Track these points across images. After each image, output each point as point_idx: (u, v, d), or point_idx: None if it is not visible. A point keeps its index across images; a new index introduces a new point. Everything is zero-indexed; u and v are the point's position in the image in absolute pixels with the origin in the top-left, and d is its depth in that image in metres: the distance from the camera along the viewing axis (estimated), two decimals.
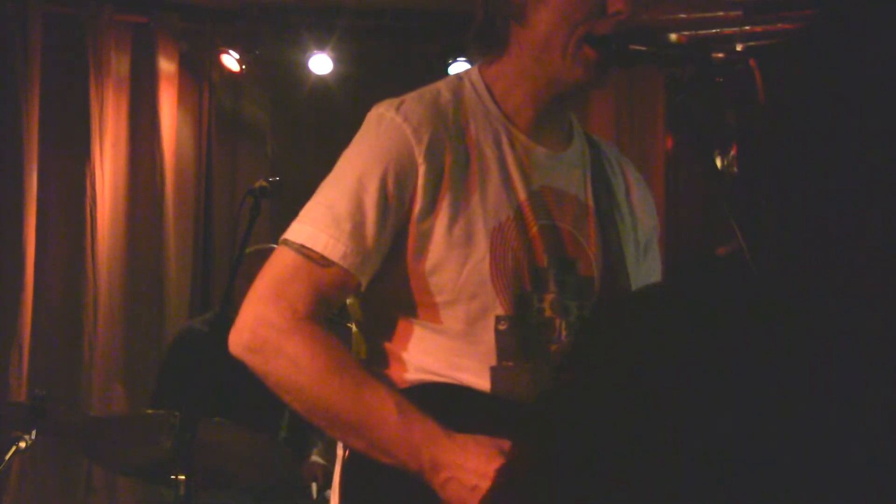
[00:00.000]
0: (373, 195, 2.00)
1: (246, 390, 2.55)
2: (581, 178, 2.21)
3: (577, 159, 2.23)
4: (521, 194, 2.09)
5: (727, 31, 6.06)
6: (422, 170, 2.01)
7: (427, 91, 2.14)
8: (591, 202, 2.20)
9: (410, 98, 2.10)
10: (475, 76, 2.19)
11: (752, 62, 1.88)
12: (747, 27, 6.06)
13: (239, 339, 1.99)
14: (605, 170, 2.27)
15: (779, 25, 6.02)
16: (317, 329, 1.97)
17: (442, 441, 1.91)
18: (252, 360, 1.98)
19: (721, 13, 6.03)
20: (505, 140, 2.12)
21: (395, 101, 2.09)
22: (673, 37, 2.00)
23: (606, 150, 2.33)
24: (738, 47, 5.88)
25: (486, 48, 2.18)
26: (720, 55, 1.93)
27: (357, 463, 2.01)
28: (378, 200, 2.00)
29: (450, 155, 2.05)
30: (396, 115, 2.05)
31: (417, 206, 2.02)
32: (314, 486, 4.37)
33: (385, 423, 1.93)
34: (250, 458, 3.93)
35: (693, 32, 5.93)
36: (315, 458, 4.51)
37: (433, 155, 2.03)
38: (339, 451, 2.08)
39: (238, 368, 2.03)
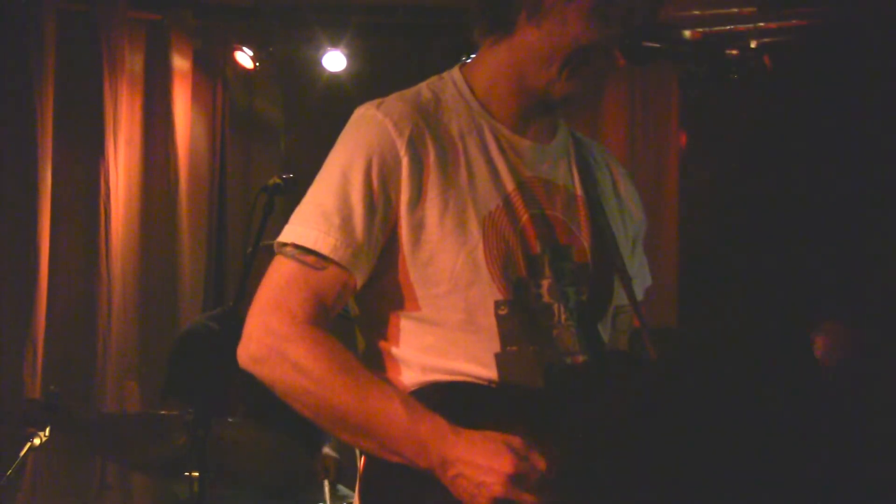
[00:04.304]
0: (358, 190, 2.03)
1: (254, 387, 2.56)
2: (567, 168, 2.25)
3: (563, 151, 2.26)
4: (509, 185, 2.12)
5: (741, 27, 6.05)
6: (405, 161, 2.04)
7: (407, 91, 2.18)
8: (579, 191, 2.23)
9: (392, 97, 2.14)
10: (456, 75, 2.23)
11: (766, 59, 1.88)
12: (761, 24, 6.04)
13: (245, 352, 2.02)
14: (589, 162, 2.30)
15: (793, 22, 6.00)
16: (318, 333, 1.99)
17: (449, 437, 1.92)
18: (259, 371, 2.00)
19: (735, 10, 6.02)
20: (489, 134, 2.15)
21: (377, 100, 2.13)
22: (687, 33, 2.01)
23: (591, 147, 2.37)
24: (752, 44, 5.86)
25: (487, 28, 2.19)
26: (734, 52, 1.94)
27: (375, 473, 2.02)
28: (364, 194, 2.02)
29: (433, 149, 2.08)
30: (377, 112, 2.09)
31: (404, 198, 2.04)
32: (326, 484, 4.37)
33: (392, 421, 1.94)
34: (263, 454, 3.93)
35: (707, 29, 5.92)
36: (327, 450, 4.51)
37: (415, 147, 2.06)
38: (359, 464, 2.09)
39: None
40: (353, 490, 2.50)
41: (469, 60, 2.24)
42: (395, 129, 2.06)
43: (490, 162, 2.12)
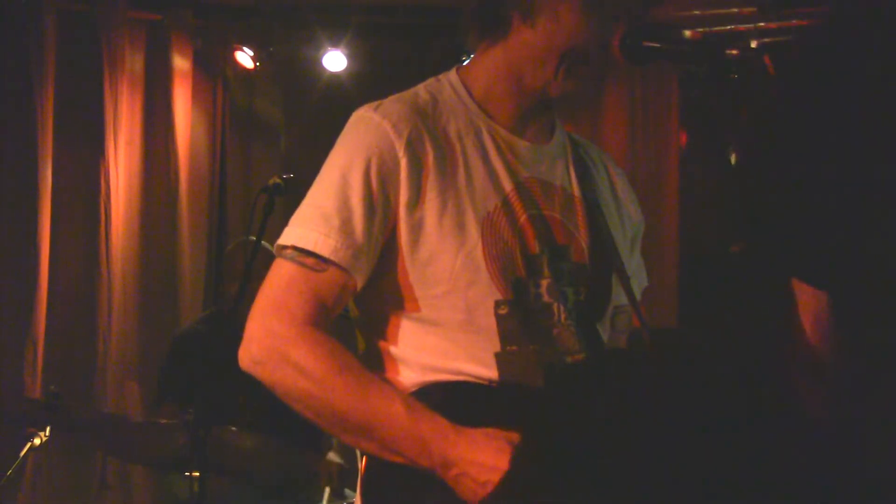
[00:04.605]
0: (358, 191, 2.03)
1: (256, 395, 2.57)
2: (565, 169, 2.25)
3: (560, 151, 2.27)
4: (507, 185, 2.12)
5: (741, 27, 6.05)
6: (403, 162, 2.05)
7: (405, 93, 2.19)
8: (577, 192, 2.23)
9: (389, 99, 2.15)
10: (453, 77, 2.23)
11: (766, 59, 1.88)
12: (762, 24, 6.04)
13: (247, 354, 2.02)
14: (586, 164, 2.31)
15: (793, 22, 6.00)
16: (319, 334, 2.00)
17: (451, 436, 1.93)
18: (260, 372, 2.01)
19: (735, 10, 6.02)
20: (486, 135, 2.15)
21: (375, 103, 2.14)
22: (687, 33, 2.01)
23: (588, 148, 2.38)
24: (753, 44, 5.86)
25: (482, 31, 2.20)
26: (734, 52, 1.94)
27: (376, 473, 2.02)
28: (363, 196, 2.03)
29: (431, 150, 2.08)
30: (375, 114, 2.10)
31: (403, 199, 2.04)
32: (327, 491, 4.37)
33: (393, 421, 1.94)
34: (264, 455, 3.93)
35: (707, 29, 5.92)
36: (331, 455, 4.51)
37: (414, 149, 2.06)
38: (360, 465, 2.09)
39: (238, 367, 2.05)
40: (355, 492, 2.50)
41: (466, 63, 2.25)
42: (393, 130, 2.06)
43: (488, 163, 2.13)
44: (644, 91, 6.45)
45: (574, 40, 2.07)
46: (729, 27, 6.06)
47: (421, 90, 2.20)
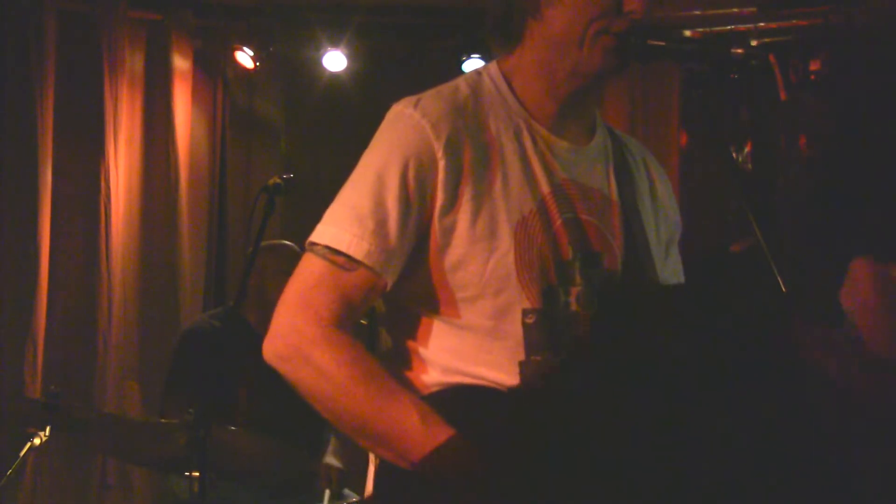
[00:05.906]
0: (394, 193, 2.00)
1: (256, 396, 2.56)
2: (604, 171, 2.21)
3: (600, 153, 2.22)
4: (544, 188, 2.09)
5: (742, 27, 6.05)
6: (441, 164, 2.01)
7: (445, 87, 2.14)
8: (615, 196, 2.19)
9: (429, 95, 2.10)
10: (494, 71, 2.18)
11: (771, 58, 1.88)
12: (762, 24, 6.04)
13: (272, 348, 2.02)
14: (628, 164, 2.27)
15: (793, 22, 6.00)
16: (344, 337, 1.99)
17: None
18: (283, 369, 2.01)
19: (735, 10, 6.02)
20: (526, 134, 2.11)
21: (413, 98, 2.09)
22: (688, 33, 2.01)
23: (630, 146, 2.33)
24: (753, 43, 5.86)
25: (501, 42, 2.18)
26: (739, 51, 1.94)
27: (390, 469, 2.02)
28: (399, 198, 2.00)
29: (469, 150, 2.04)
30: (415, 112, 2.05)
31: (439, 202, 2.02)
32: (327, 494, 4.37)
33: (409, 434, 1.94)
34: (264, 455, 3.93)
35: (708, 29, 5.92)
36: (329, 459, 4.51)
37: (453, 150, 2.02)
38: (371, 455, 2.09)
39: (248, 366, 2.05)
40: (356, 493, 2.50)
41: (502, 57, 2.21)
42: (433, 131, 2.02)
43: (526, 164, 2.09)
44: (644, 91, 6.44)
45: (583, 12, 2.04)
46: (729, 27, 6.06)
47: (461, 84, 2.15)
